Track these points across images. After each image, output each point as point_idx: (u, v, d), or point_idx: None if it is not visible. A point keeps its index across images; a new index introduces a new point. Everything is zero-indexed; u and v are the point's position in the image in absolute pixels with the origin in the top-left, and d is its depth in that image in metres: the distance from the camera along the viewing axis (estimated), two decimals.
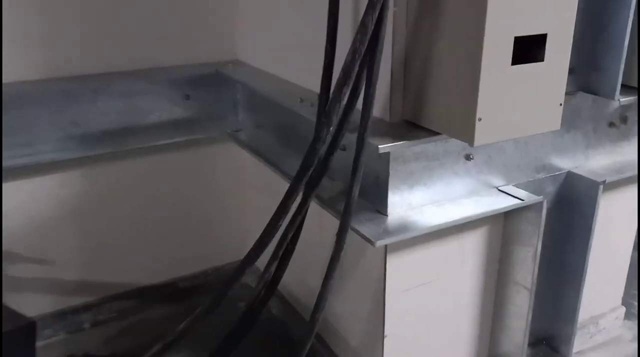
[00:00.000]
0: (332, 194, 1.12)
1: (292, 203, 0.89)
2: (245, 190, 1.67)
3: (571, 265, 1.28)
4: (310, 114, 1.10)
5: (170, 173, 1.56)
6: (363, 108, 0.84)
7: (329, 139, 0.86)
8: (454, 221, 1.02)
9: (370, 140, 0.92)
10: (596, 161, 1.27)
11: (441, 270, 1.14)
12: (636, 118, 1.26)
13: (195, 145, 1.56)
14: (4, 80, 1.29)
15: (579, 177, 1.22)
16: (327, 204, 1.09)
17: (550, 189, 1.23)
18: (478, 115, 0.82)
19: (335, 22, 0.93)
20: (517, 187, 1.17)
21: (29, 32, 1.32)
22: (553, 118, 0.92)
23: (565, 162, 1.23)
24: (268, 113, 1.46)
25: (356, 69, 0.78)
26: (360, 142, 0.84)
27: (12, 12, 1.28)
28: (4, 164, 1.28)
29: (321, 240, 1.25)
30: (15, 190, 1.36)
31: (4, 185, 1.34)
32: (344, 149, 1.12)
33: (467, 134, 0.85)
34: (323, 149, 0.84)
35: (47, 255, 1.46)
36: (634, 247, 1.42)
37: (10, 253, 1.40)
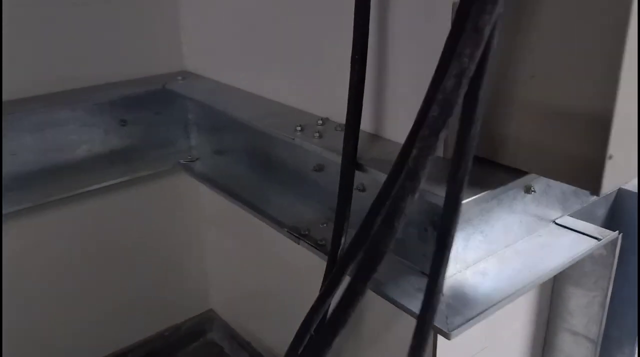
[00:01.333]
0: None
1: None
2: (203, 231, 1.35)
3: (623, 298, 1.06)
4: (317, 148, 0.82)
5: (108, 219, 1.22)
6: (458, 157, 0.52)
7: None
8: (528, 284, 0.76)
9: (429, 187, 0.64)
10: None
11: (492, 335, 0.89)
12: None
13: (140, 181, 1.22)
14: None
15: (635, 196, 0.99)
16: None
17: (602, 212, 1.01)
18: (609, 152, 0.56)
19: (366, 24, 0.63)
20: (572, 216, 0.93)
21: None
22: None
23: None
24: (234, 136, 1.15)
25: (460, 100, 0.48)
26: (453, 206, 0.53)
27: None
28: None
29: None
30: None
31: None
32: (363, 190, 0.84)
33: (588, 178, 0.58)
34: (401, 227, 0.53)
35: None
36: None
37: None
